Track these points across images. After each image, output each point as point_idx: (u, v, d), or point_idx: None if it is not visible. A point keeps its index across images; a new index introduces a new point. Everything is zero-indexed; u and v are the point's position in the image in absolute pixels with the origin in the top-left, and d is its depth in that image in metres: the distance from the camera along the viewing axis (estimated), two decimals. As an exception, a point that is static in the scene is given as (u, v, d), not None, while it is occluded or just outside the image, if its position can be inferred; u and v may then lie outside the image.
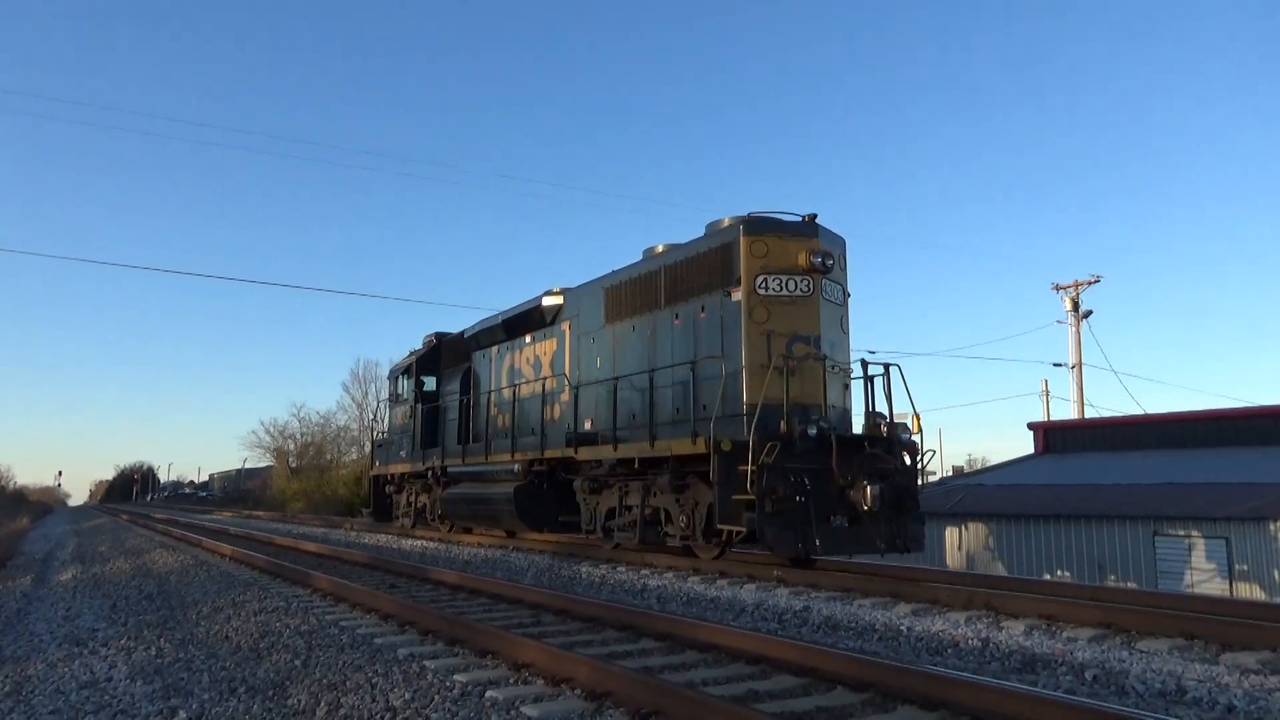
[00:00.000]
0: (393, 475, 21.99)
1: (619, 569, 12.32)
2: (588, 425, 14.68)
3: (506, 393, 17.35)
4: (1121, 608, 7.93)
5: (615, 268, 14.67)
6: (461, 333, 20.01)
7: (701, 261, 12.45)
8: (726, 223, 12.23)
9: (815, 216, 11.95)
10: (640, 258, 14.15)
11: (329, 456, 55.76)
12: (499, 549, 16.08)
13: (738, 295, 11.75)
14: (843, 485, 10.71)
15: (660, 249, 13.62)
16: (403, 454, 21.13)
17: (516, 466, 15.70)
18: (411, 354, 21.68)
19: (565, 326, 15.77)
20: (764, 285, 11.66)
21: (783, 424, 10.81)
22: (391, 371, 22.32)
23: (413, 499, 20.89)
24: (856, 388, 12.14)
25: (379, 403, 39.13)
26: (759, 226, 11.83)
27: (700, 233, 12.86)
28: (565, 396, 15.47)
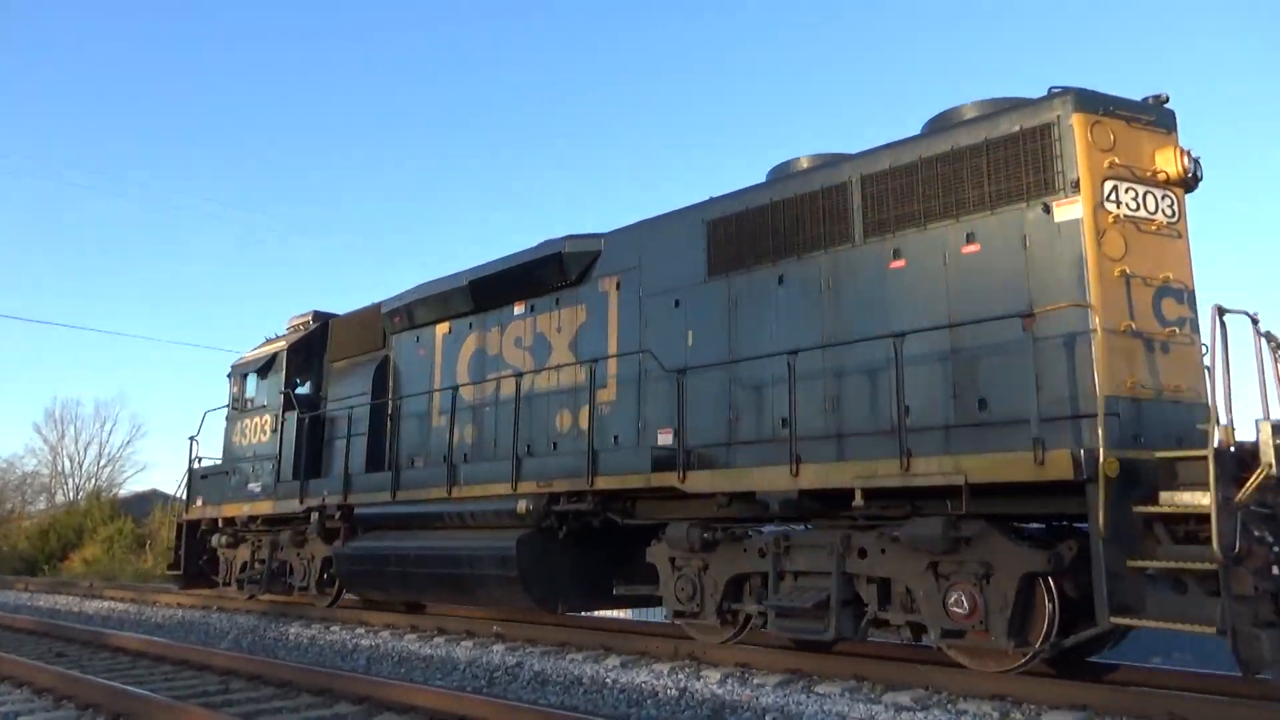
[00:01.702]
0: (227, 520, 14.73)
1: (333, 628, 11.61)
2: (664, 439, 9.10)
3: (476, 392, 11.25)
4: (807, 655, 8.04)
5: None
6: (369, 310, 13.55)
7: (966, 160, 7.42)
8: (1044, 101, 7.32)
9: (1166, 99, 7.34)
10: (770, 176, 8.94)
11: (9, 505, 44.98)
12: (200, 609, 14.51)
13: (1069, 210, 6.84)
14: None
15: (844, 162, 8.45)
16: (254, 488, 14.04)
17: (522, 504, 9.65)
18: (273, 342, 14.76)
19: (609, 285, 10.09)
20: (1116, 198, 6.86)
21: (1214, 430, 5.92)
22: (234, 369, 15.14)
23: (266, 556, 13.86)
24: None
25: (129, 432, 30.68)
26: (1097, 103, 7.03)
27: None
28: (608, 395, 9.77)
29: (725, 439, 8.65)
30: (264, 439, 14.10)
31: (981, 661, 6.97)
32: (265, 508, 13.63)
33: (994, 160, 7.26)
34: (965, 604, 6.72)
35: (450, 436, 10.92)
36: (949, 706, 6.37)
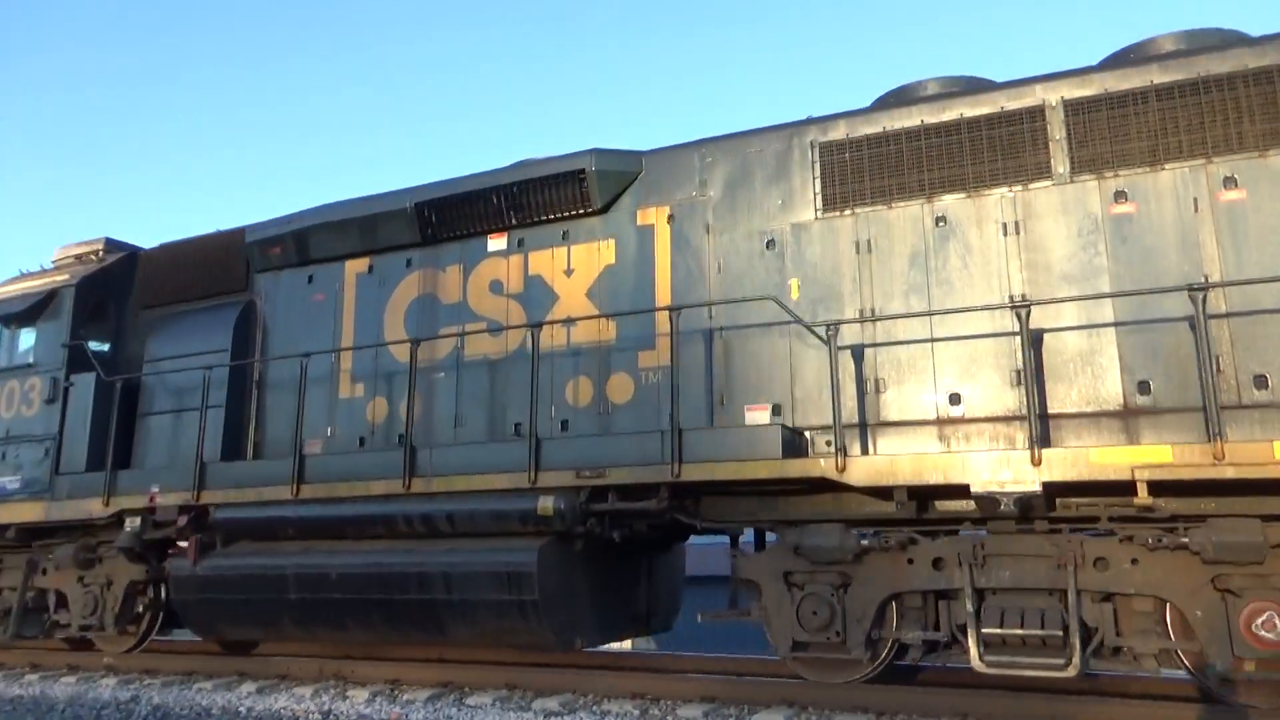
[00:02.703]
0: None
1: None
2: (755, 416, 7.01)
3: (424, 353, 8.23)
4: (457, 665, 8.02)
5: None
6: (220, 239, 9.78)
7: (1217, 93, 6.18)
8: None
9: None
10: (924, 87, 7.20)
11: None
12: None
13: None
14: None
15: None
16: (9, 482, 9.57)
17: (546, 502, 6.96)
18: (42, 276, 10.31)
19: (654, 217, 7.74)
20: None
21: None
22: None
23: (20, 584, 9.47)
24: None
25: None
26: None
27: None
28: (655, 358, 7.44)
29: (855, 419, 6.71)
30: (28, 412, 9.72)
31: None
32: (30, 512, 9.31)
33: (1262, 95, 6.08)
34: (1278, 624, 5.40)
35: (409, 407, 7.83)
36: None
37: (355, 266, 8.95)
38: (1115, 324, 6.13)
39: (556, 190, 7.96)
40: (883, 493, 6.21)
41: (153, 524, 8.59)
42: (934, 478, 5.93)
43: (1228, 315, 5.92)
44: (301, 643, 8.83)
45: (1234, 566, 5.49)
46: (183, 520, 8.44)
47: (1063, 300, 6.19)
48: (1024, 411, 6.12)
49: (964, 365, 6.52)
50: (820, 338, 6.53)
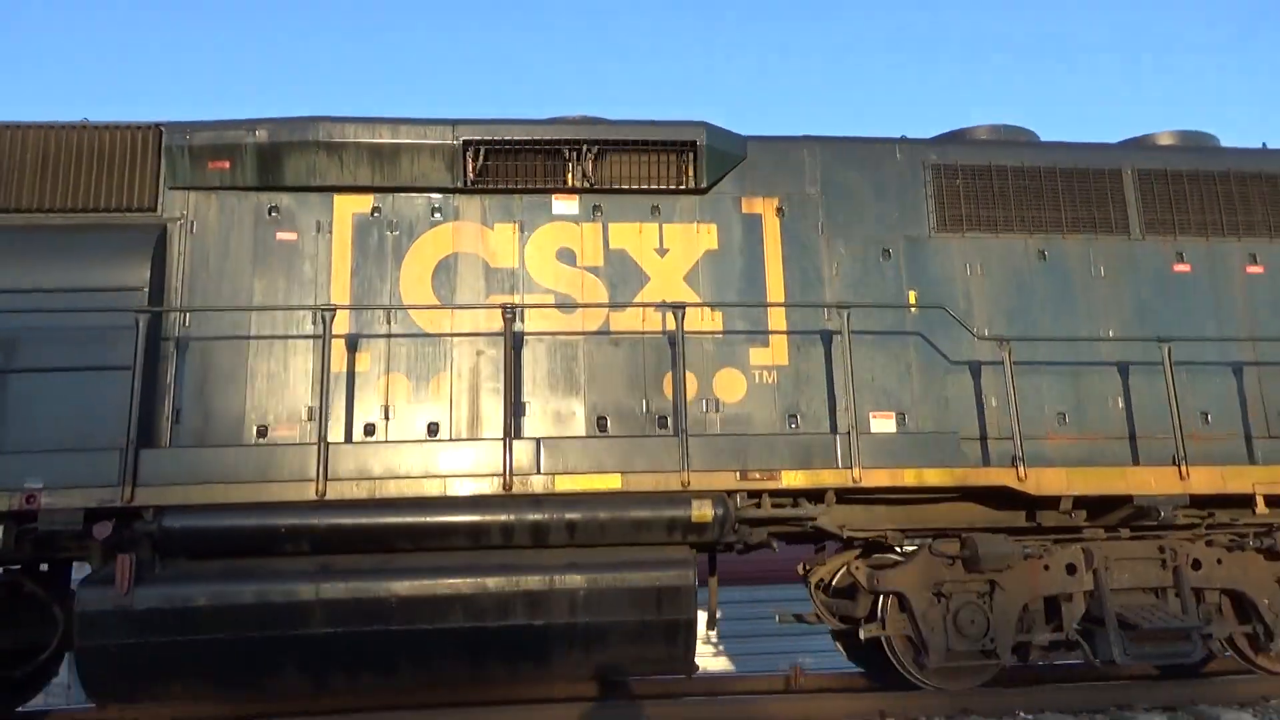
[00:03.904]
0: None
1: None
2: (881, 424, 6.98)
3: (465, 323, 6.66)
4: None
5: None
6: (115, 133, 6.82)
7: (1251, 186, 7.72)
8: None
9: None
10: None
11: None
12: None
13: (1334, 254, 7.73)
14: None
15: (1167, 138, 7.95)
16: None
17: (703, 507, 6.07)
18: None
19: (763, 208, 7.27)
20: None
21: None
22: None
23: None
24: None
25: None
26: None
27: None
28: (769, 356, 7.01)
29: (976, 433, 7.03)
30: None
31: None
32: None
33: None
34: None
35: (513, 380, 6.25)
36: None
37: (351, 204, 6.95)
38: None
39: (656, 159, 7.09)
40: (1047, 502, 6.59)
41: (53, 534, 5.68)
42: (1113, 489, 6.47)
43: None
44: (309, 699, 6.39)
45: (1298, 563, 6.84)
46: (105, 530, 5.74)
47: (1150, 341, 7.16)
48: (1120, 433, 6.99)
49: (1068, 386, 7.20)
50: (994, 352, 6.77)
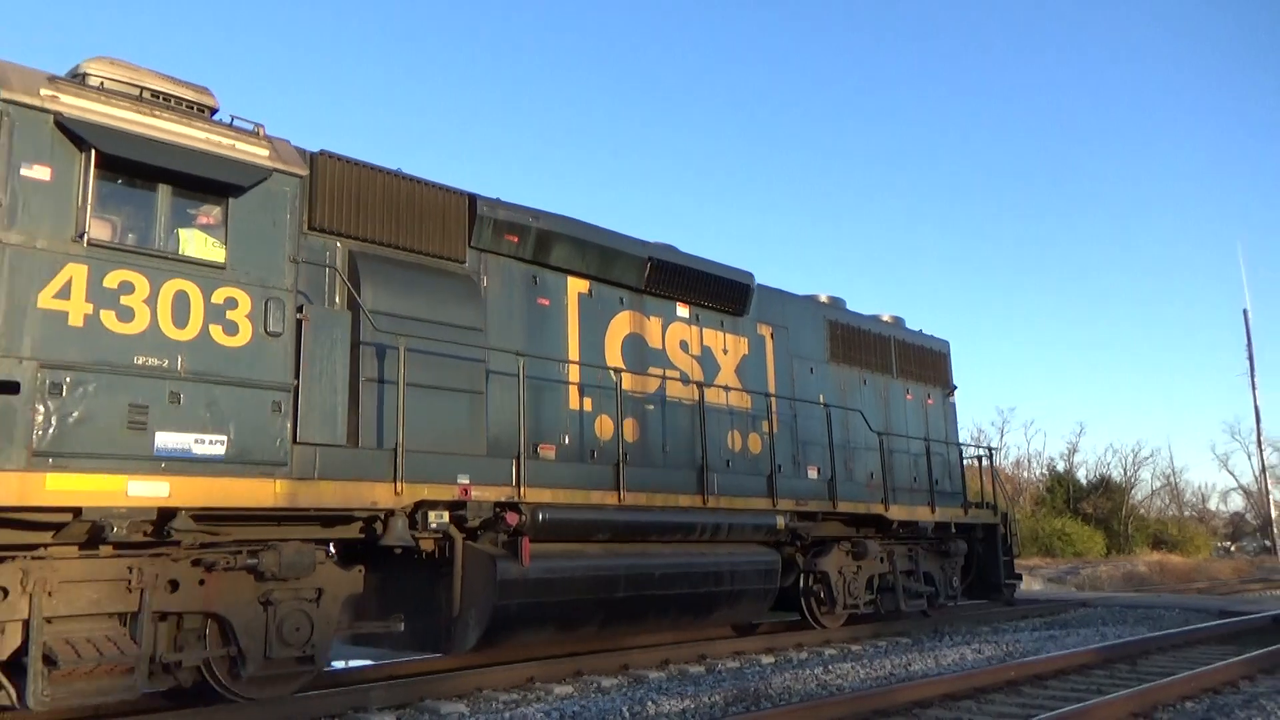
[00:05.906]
0: None
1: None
2: (812, 474, 11.78)
3: (635, 384, 9.73)
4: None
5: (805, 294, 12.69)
6: (437, 193, 8.14)
7: (925, 358, 14.27)
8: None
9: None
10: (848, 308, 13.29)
11: None
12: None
13: (952, 399, 14.73)
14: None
15: (886, 318, 13.75)
16: (205, 442, 5.70)
17: (781, 520, 10.14)
18: (219, 130, 6.36)
19: (765, 330, 11.51)
20: (945, 395, 15.12)
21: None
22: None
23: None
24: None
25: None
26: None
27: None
28: (769, 427, 11.33)
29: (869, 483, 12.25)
30: (229, 340, 6.21)
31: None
32: (261, 493, 6.20)
33: (930, 361, 14.51)
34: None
35: (701, 435, 9.45)
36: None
37: (577, 285, 9.44)
38: (927, 453, 13.41)
39: (728, 290, 10.91)
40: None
41: (456, 520, 7.37)
42: (915, 516, 12.18)
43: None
44: (612, 639, 8.45)
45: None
46: (515, 519, 7.68)
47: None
48: (908, 486, 12.92)
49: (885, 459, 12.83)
50: (869, 425, 12.03)
